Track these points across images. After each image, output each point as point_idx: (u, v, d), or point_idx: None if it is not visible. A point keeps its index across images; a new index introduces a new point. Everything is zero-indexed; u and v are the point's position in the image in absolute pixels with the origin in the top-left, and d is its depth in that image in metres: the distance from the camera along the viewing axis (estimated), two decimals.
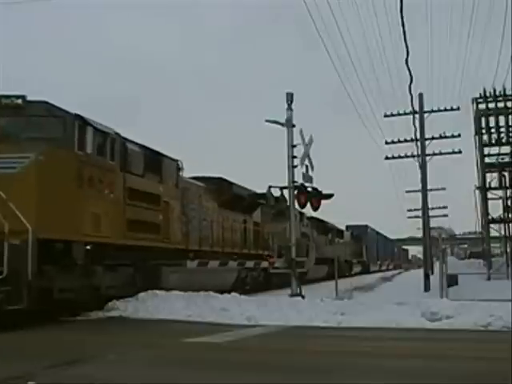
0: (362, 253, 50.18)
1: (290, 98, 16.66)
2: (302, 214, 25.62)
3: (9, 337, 9.16)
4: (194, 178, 18.90)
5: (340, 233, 41.47)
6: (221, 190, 19.99)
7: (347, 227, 47.28)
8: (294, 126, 16.65)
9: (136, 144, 14.31)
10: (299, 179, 16.70)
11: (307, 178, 16.80)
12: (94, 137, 12.31)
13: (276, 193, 17.40)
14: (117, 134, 13.28)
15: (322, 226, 35.34)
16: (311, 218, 30.82)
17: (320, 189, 17.13)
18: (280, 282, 23.07)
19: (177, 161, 16.27)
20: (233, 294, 14.61)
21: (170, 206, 15.65)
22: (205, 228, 18.35)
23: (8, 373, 6.20)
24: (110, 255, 12.93)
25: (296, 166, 16.56)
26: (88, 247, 12.13)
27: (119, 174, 13.30)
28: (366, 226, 56.26)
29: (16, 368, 6.55)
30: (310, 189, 16.88)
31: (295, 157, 16.54)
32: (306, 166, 16.71)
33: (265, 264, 23.27)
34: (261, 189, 20.04)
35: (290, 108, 16.65)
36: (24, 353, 7.98)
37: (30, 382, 5.79)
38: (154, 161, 15.04)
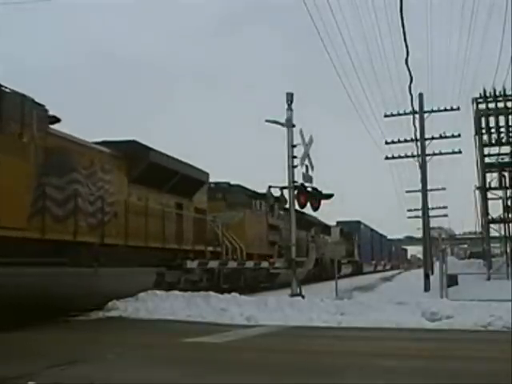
0: (353, 252, 46.24)
1: (289, 98, 16.67)
2: (272, 204, 20.57)
3: (9, 337, 9.15)
4: (100, 143, 14.11)
5: (327, 229, 36.44)
6: (132, 157, 14.50)
7: (337, 223, 41.90)
8: (293, 125, 16.67)
9: None
10: (299, 179, 16.71)
11: (307, 177, 16.81)
12: None
13: (276, 193, 17.39)
14: None
15: (302, 220, 29.92)
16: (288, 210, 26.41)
17: (320, 189, 17.15)
18: (230, 287, 18.06)
19: (24, 97, 10.96)
20: (233, 294, 14.59)
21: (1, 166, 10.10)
22: (97, 210, 12.97)
23: (8, 373, 6.20)
24: None
25: (296, 166, 16.57)
26: None
27: None
28: (359, 222, 52.76)
29: (16, 368, 6.55)
30: (309, 189, 16.88)
31: (295, 157, 16.55)
32: (306, 166, 16.73)
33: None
34: (261, 189, 19.89)
35: (290, 108, 16.66)
36: (24, 353, 7.98)
37: (30, 382, 5.79)
38: None
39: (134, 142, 14.82)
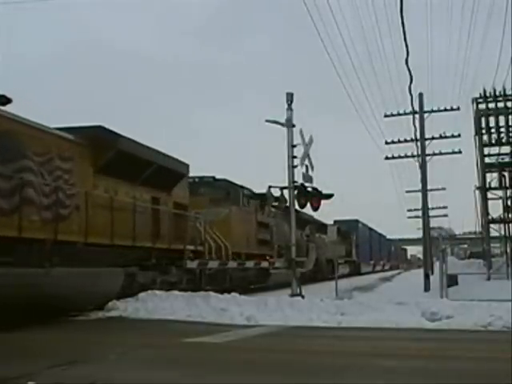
0: (350, 251, 44.37)
1: (289, 98, 16.67)
2: (262, 201, 19.72)
3: (9, 337, 9.15)
4: (62, 129, 12.55)
5: (323, 227, 34.09)
6: (98, 145, 12.98)
7: (335, 222, 40.47)
8: (294, 125, 16.67)
9: None
10: (299, 179, 16.72)
11: (307, 177, 16.81)
12: None
13: (276, 193, 17.39)
14: None
15: (298, 219, 28.75)
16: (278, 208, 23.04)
17: (320, 189, 17.16)
18: (213, 289, 15.58)
19: None
20: (233, 294, 14.59)
21: None
22: (53, 203, 11.44)
23: (9, 373, 6.20)
24: None
25: (296, 166, 16.57)
26: None
27: None
28: (357, 221, 51.41)
29: (16, 368, 6.55)
30: (309, 189, 16.89)
31: (295, 157, 16.55)
32: (306, 166, 16.73)
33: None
34: (261, 189, 19.75)
35: (290, 108, 16.67)
36: (24, 353, 7.98)
37: (30, 382, 5.79)
38: None
39: (99, 127, 13.24)
